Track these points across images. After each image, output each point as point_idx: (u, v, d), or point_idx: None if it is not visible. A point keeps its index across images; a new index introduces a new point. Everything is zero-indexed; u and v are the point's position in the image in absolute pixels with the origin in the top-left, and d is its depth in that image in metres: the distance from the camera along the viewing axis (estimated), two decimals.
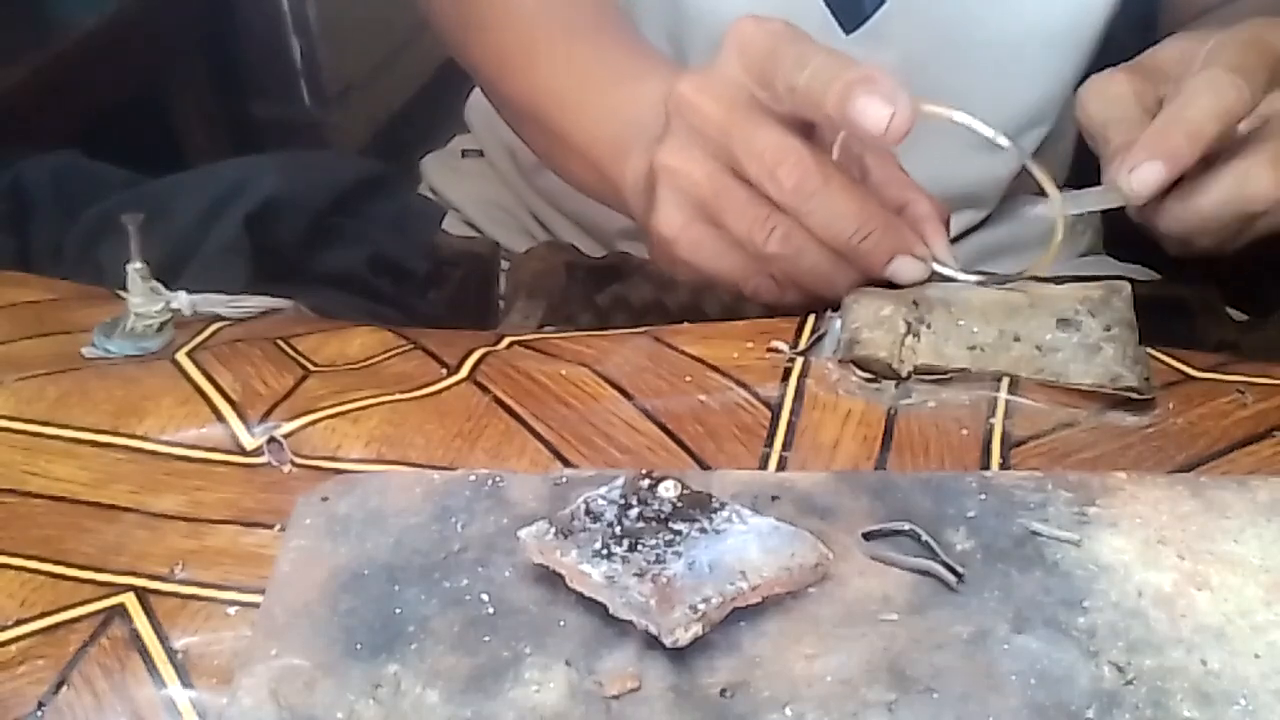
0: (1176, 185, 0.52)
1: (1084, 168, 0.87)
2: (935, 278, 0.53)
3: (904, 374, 0.49)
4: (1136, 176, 0.51)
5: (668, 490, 0.41)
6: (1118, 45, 0.79)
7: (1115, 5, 0.77)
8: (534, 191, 0.88)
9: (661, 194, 0.55)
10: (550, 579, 0.41)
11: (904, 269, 0.52)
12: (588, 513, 0.41)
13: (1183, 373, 0.50)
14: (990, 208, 0.84)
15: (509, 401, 0.50)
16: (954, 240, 0.81)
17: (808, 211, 0.51)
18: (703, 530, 0.40)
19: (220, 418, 0.49)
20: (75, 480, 0.47)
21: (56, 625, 0.42)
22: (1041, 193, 0.52)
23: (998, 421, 0.48)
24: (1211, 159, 0.52)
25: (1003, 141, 0.51)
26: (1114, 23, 0.78)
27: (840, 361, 0.50)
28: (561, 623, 0.40)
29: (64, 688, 0.40)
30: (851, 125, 0.48)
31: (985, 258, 0.83)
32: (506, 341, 0.54)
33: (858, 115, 0.48)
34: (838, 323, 0.52)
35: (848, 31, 0.73)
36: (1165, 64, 0.56)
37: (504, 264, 0.80)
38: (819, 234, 0.52)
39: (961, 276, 0.53)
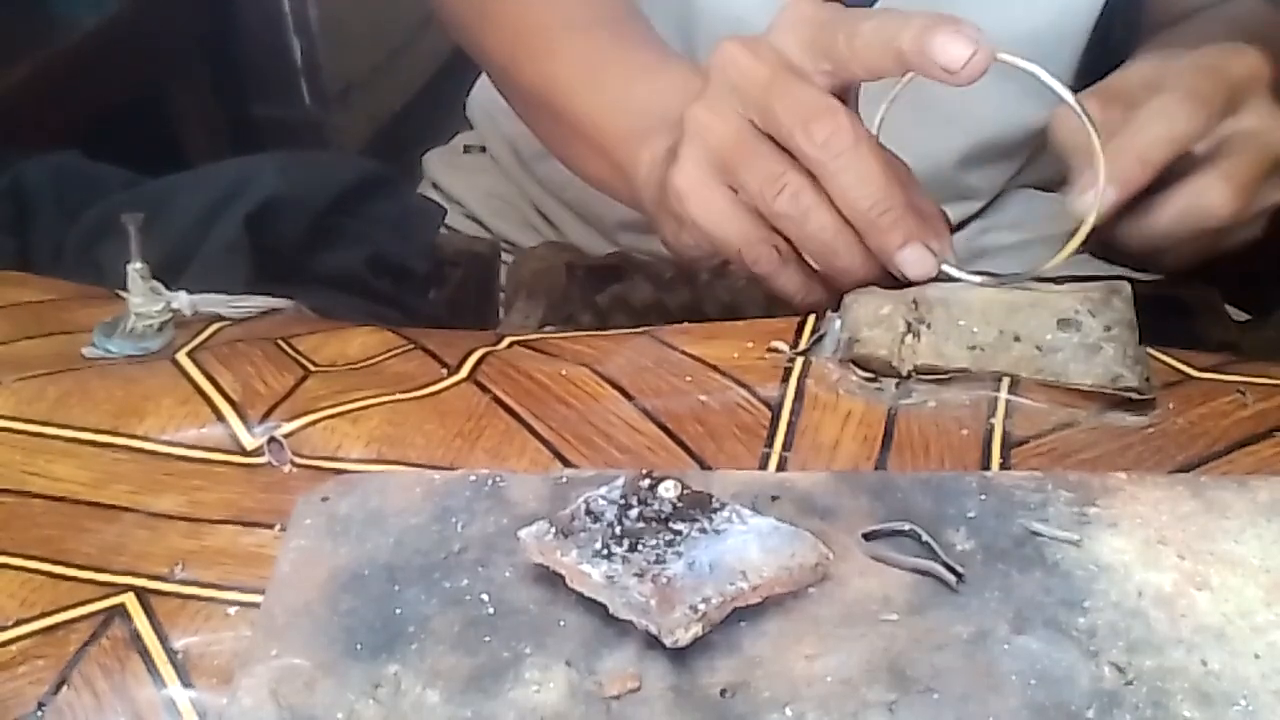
0: (1132, 206, 0.53)
1: None
2: (940, 277, 0.53)
3: (904, 374, 0.49)
4: (1087, 200, 0.51)
5: (668, 490, 0.41)
6: (1107, 47, 0.79)
7: (1101, 6, 0.77)
8: (536, 184, 0.88)
9: (685, 148, 0.54)
10: (550, 579, 0.41)
11: (914, 258, 0.52)
12: (588, 513, 0.41)
13: (1183, 373, 0.50)
14: (985, 200, 0.84)
15: (509, 401, 0.50)
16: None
17: (835, 170, 0.51)
18: (703, 530, 0.40)
19: (220, 418, 0.49)
20: (75, 480, 0.47)
21: (56, 625, 0.42)
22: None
23: (998, 421, 0.48)
24: (1168, 179, 0.53)
25: (1070, 100, 0.51)
26: (1102, 24, 0.78)
27: (840, 361, 0.50)
28: (561, 623, 0.40)
29: (64, 688, 0.40)
30: (928, 60, 0.48)
31: (985, 257, 0.83)
32: (507, 341, 0.54)
33: (938, 50, 0.48)
34: (838, 322, 0.52)
35: None
36: (1130, 88, 0.57)
37: (505, 261, 0.80)
38: (840, 198, 0.51)
39: (966, 277, 0.53)
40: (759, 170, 0.52)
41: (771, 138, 0.53)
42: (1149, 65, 0.58)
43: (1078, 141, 0.55)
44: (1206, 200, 0.53)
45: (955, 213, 0.82)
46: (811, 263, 0.55)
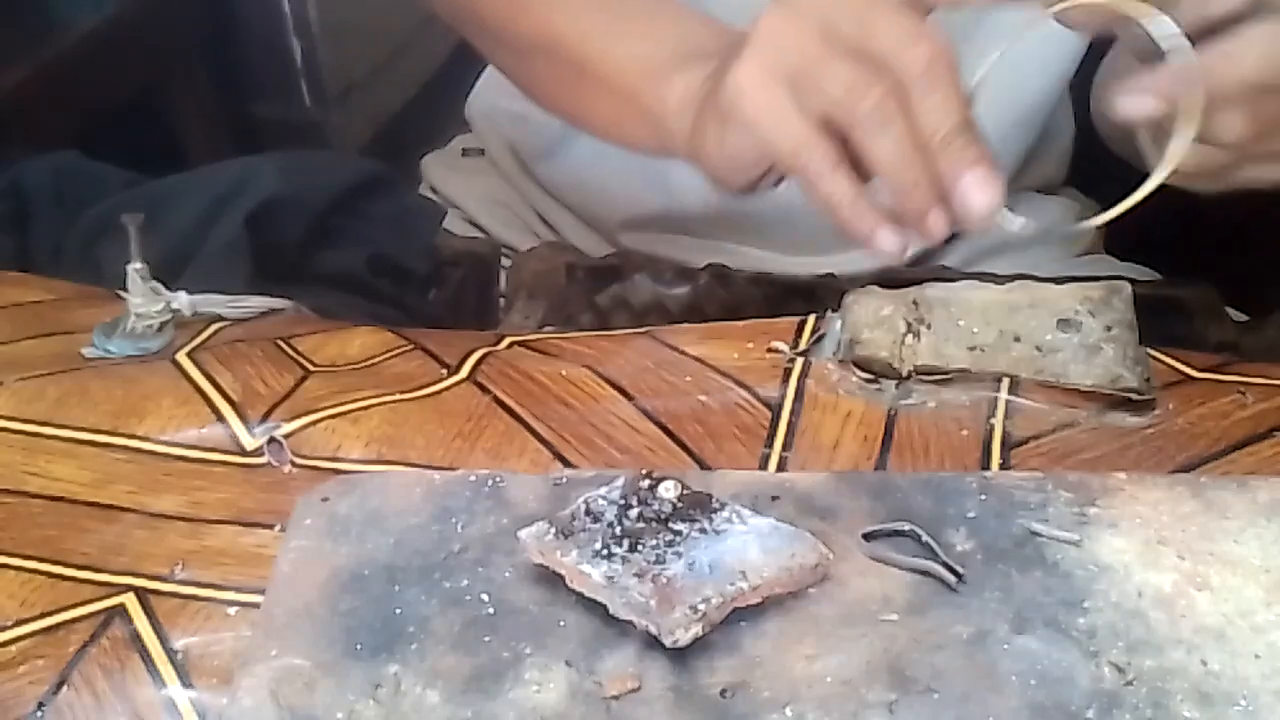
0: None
1: (1084, 169, 0.87)
2: (938, 276, 0.52)
3: (904, 374, 0.49)
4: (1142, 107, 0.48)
5: (668, 490, 0.41)
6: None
7: None
8: (536, 187, 0.88)
9: (749, 51, 0.53)
10: (550, 579, 0.41)
11: (982, 182, 0.50)
12: (588, 513, 0.41)
13: (1183, 373, 0.50)
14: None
15: (509, 402, 0.50)
16: (951, 239, 0.81)
17: (929, 90, 0.50)
18: (703, 530, 0.40)
19: (220, 418, 0.49)
20: (75, 480, 0.47)
21: (56, 625, 0.42)
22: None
23: (998, 422, 0.48)
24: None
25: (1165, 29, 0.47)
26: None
27: (840, 362, 0.50)
28: (561, 623, 0.40)
29: (64, 688, 0.40)
30: None
31: (985, 257, 0.83)
32: (507, 342, 0.54)
33: None
34: (838, 323, 0.52)
35: None
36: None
37: (505, 263, 0.80)
38: (926, 117, 0.50)
39: (1017, 224, 0.51)
40: (842, 76, 0.51)
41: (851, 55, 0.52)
42: None
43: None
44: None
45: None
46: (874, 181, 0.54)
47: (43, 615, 0.42)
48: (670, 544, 0.40)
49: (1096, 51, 0.78)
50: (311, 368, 0.52)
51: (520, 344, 0.54)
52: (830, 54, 0.52)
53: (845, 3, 0.52)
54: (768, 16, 0.53)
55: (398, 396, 0.50)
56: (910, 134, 0.51)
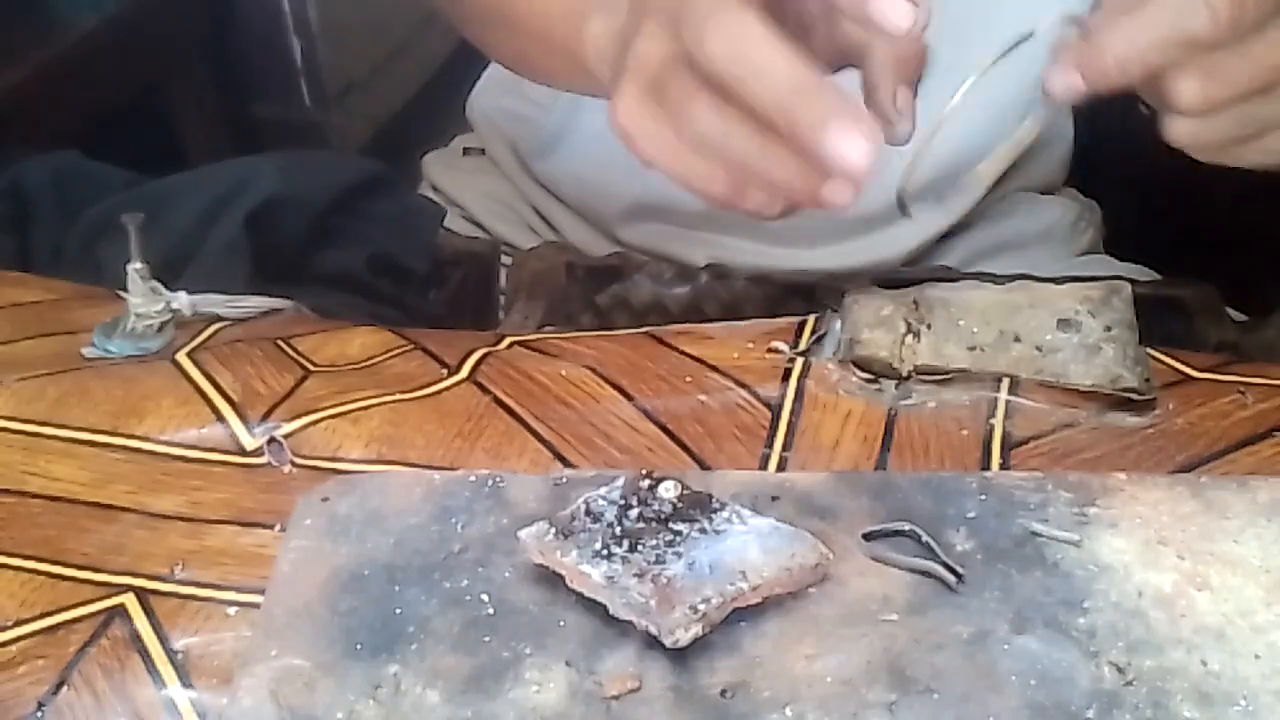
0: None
1: (1086, 168, 0.87)
2: (939, 276, 0.52)
3: (904, 374, 0.49)
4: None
5: (668, 490, 0.41)
6: None
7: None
8: (536, 186, 0.88)
9: (622, 82, 0.51)
10: (550, 579, 0.41)
11: (841, 136, 0.46)
12: (588, 513, 0.41)
13: (1183, 373, 0.50)
14: (980, 190, 0.82)
15: (509, 402, 0.50)
16: (945, 237, 0.81)
17: (736, 75, 0.47)
18: (703, 531, 0.40)
19: (220, 418, 0.49)
20: (75, 480, 0.47)
21: (56, 625, 0.42)
22: None
23: (998, 422, 0.48)
24: None
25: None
26: None
27: (840, 362, 0.50)
28: (561, 623, 0.40)
29: (64, 688, 0.40)
30: (866, 18, 0.45)
31: (984, 256, 0.83)
32: (507, 342, 0.54)
33: (875, 12, 0.45)
34: (838, 323, 0.52)
35: None
36: None
37: (505, 263, 0.80)
38: (750, 99, 0.47)
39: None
40: (673, 98, 0.49)
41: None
42: None
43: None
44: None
45: (953, 211, 0.82)
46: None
47: (43, 615, 0.42)
48: (670, 544, 0.40)
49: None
50: (311, 368, 0.52)
51: (520, 344, 0.54)
52: (670, 71, 0.50)
53: (671, 3, 0.49)
54: (635, 42, 0.51)
55: (398, 396, 0.50)
56: (752, 131, 0.48)
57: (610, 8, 0.56)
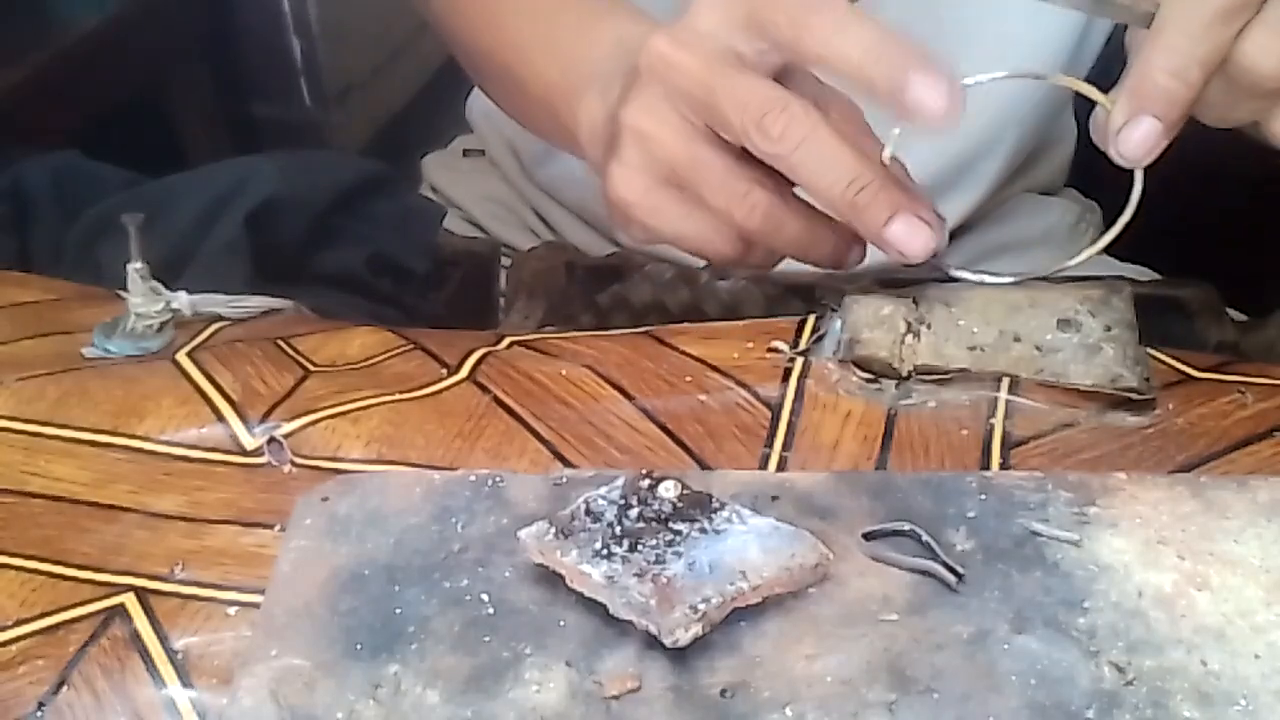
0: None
1: (1087, 172, 0.87)
2: (939, 276, 0.52)
3: (904, 374, 0.49)
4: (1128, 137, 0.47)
5: (668, 490, 0.41)
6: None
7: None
8: (536, 188, 0.88)
9: (625, 154, 0.52)
10: (550, 579, 0.41)
11: (905, 230, 0.47)
12: (588, 513, 0.41)
13: (1183, 373, 0.50)
14: (981, 191, 0.82)
15: (509, 401, 0.50)
16: (951, 238, 0.81)
17: (799, 161, 0.47)
18: (703, 530, 0.40)
19: (220, 418, 0.49)
20: (75, 480, 0.47)
21: (56, 625, 0.42)
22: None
23: (998, 422, 0.48)
24: None
25: (1088, 92, 0.49)
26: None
27: (840, 361, 0.50)
28: (561, 623, 0.40)
29: (64, 688, 0.40)
30: (902, 105, 0.45)
31: (984, 257, 0.83)
32: (507, 341, 0.54)
33: (912, 100, 0.45)
34: (838, 323, 0.52)
35: None
36: None
37: (505, 263, 0.80)
38: (811, 187, 0.48)
39: (971, 276, 0.52)
40: (722, 189, 0.50)
41: (721, 136, 0.50)
42: None
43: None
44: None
45: (952, 212, 0.82)
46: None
47: (43, 615, 0.42)
48: (670, 544, 0.40)
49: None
50: (311, 368, 0.52)
51: (520, 344, 0.54)
52: (701, 154, 0.50)
53: (690, 81, 0.49)
54: (626, 114, 0.51)
55: (398, 396, 0.50)
56: (805, 225, 0.50)
57: (605, 82, 0.55)
